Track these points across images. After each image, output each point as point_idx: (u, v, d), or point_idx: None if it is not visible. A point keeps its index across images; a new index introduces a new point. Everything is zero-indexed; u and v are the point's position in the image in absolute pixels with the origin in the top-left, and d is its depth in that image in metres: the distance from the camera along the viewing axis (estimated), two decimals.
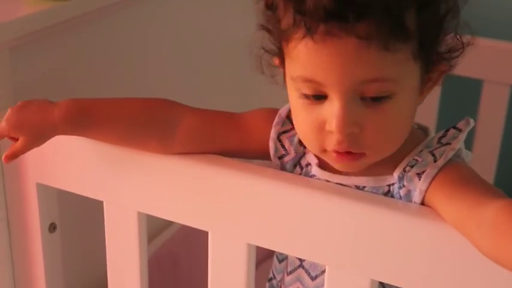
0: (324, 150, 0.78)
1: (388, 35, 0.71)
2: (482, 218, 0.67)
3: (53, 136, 0.88)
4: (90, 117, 0.87)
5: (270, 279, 0.96)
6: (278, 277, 0.94)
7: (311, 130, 0.77)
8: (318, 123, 0.76)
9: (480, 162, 1.61)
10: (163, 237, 1.39)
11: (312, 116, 0.77)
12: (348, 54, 0.71)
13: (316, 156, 0.85)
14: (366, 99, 0.74)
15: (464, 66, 1.53)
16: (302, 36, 0.73)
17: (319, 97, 0.75)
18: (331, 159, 0.79)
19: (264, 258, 0.88)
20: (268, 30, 0.80)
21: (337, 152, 0.77)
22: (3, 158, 0.86)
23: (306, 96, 0.76)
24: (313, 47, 0.72)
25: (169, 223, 1.40)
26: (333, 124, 0.74)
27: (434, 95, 1.63)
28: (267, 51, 0.82)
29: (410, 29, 0.72)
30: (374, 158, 0.78)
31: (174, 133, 0.87)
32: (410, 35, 0.72)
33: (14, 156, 0.87)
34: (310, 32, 0.72)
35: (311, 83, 0.75)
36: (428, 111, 1.65)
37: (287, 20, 0.75)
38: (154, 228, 1.37)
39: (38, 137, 0.87)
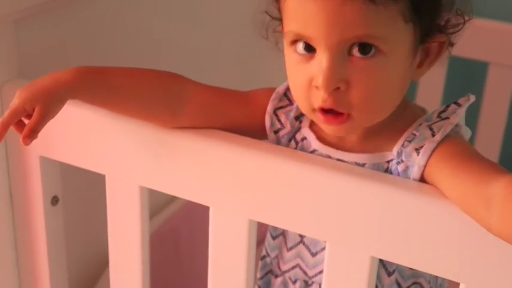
0: (313, 110, 0.79)
1: None
2: (489, 195, 0.67)
3: (68, 98, 0.83)
4: (104, 79, 0.85)
5: (263, 257, 0.96)
6: (272, 254, 0.94)
7: (301, 88, 0.78)
8: (306, 80, 0.77)
9: (484, 144, 1.61)
10: (166, 214, 1.39)
11: (302, 73, 0.77)
12: (334, 5, 0.72)
13: (312, 130, 0.86)
14: (354, 54, 0.75)
15: (470, 49, 1.55)
16: None
17: (309, 51, 0.76)
18: (319, 121, 0.79)
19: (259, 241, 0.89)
20: None
21: (323, 112, 0.77)
22: (22, 141, 0.79)
23: (297, 52, 0.78)
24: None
25: (171, 200, 1.41)
26: (319, 79, 0.75)
27: (439, 78, 1.63)
28: (271, 16, 0.84)
29: None
30: (360, 121, 0.78)
31: (183, 105, 0.87)
32: None
33: (32, 132, 0.79)
34: None
35: (300, 37, 0.76)
36: (433, 94, 1.64)
37: None
38: (157, 205, 1.38)
39: (53, 101, 0.81)
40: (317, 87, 0.76)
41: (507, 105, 1.60)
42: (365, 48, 0.75)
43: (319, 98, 0.76)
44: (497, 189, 0.66)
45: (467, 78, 1.74)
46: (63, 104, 0.83)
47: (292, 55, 0.79)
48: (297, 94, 0.81)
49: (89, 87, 0.84)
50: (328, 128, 0.80)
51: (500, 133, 1.62)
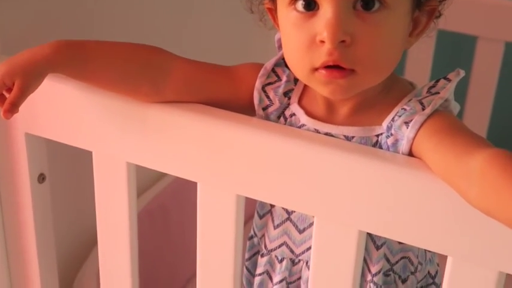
0: (313, 70, 0.77)
1: None
2: (470, 168, 0.67)
3: (48, 73, 0.83)
4: (83, 52, 0.84)
5: (251, 237, 0.95)
6: (259, 234, 0.94)
7: (301, 46, 0.77)
8: (309, 37, 0.76)
9: (473, 118, 1.61)
10: (155, 191, 1.39)
11: (303, 31, 0.77)
12: None
13: (300, 106, 0.85)
14: (358, 9, 0.75)
15: (458, 23, 1.54)
16: None
17: (312, 6, 0.76)
18: (319, 81, 0.78)
19: (246, 219, 0.89)
20: None
21: (327, 69, 0.76)
22: (2, 115, 0.79)
23: (297, 10, 0.77)
24: None
25: (160, 176, 1.40)
26: (324, 33, 0.74)
27: (428, 52, 1.63)
28: None
29: None
30: (363, 78, 0.77)
31: (167, 78, 0.85)
32: None
33: (12, 106, 0.79)
34: None
35: None
36: (422, 68, 1.64)
37: None
38: (146, 182, 1.37)
39: (32, 75, 0.81)
40: (322, 42, 0.75)
41: (495, 78, 1.60)
42: (369, 3, 0.75)
43: (324, 53, 0.75)
44: (477, 162, 0.66)
45: (456, 52, 1.74)
46: (43, 78, 0.82)
47: (291, 14, 0.78)
48: (295, 55, 0.79)
49: (68, 61, 0.83)
50: (328, 87, 0.78)
51: (488, 107, 1.62)
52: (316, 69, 0.77)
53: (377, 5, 0.75)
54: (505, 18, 1.55)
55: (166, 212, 1.38)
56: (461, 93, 1.48)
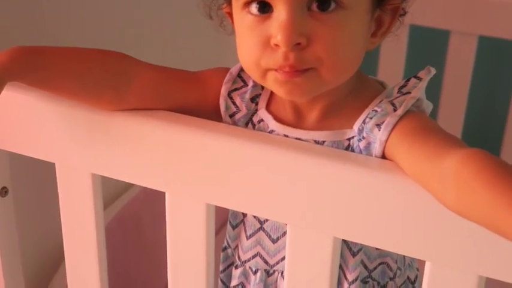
0: (267, 72, 0.75)
1: None
2: (444, 170, 0.64)
3: (5, 81, 0.78)
4: (42, 58, 0.81)
5: (225, 248, 0.93)
6: (233, 245, 0.91)
7: (255, 49, 0.74)
8: (263, 40, 0.74)
9: (447, 112, 1.60)
10: (126, 198, 1.36)
11: (258, 34, 0.74)
12: None
13: (268, 111, 0.83)
14: (313, 10, 0.72)
15: (431, 17, 1.53)
16: None
17: (265, 9, 0.73)
18: (275, 80, 0.75)
19: (218, 228, 0.86)
20: None
21: (283, 71, 0.74)
22: None
23: (251, 13, 0.74)
24: None
25: (131, 184, 1.37)
26: (278, 36, 0.71)
27: (401, 47, 1.61)
28: None
29: None
30: (322, 77, 0.74)
31: (130, 84, 0.82)
32: None
33: None
34: None
35: None
36: (395, 63, 1.63)
37: None
38: (116, 189, 1.34)
39: None
40: (276, 45, 0.72)
41: (470, 72, 1.59)
42: (324, 3, 0.72)
43: (279, 57, 0.73)
44: (451, 163, 0.64)
45: (430, 47, 1.73)
46: (1, 88, 0.78)
47: (246, 18, 0.75)
48: (250, 58, 0.76)
49: (26, 68, 0.79)
50: (285, 87, 0.75)
51: (463, 100, 1.61)
52: (270, 70, 0.75)
53: (333, 5, 0.72)
54: (477, 11, 1.54)
55: (138, 220, 1.35)
56: (435, 87, 1.47)
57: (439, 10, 1.55)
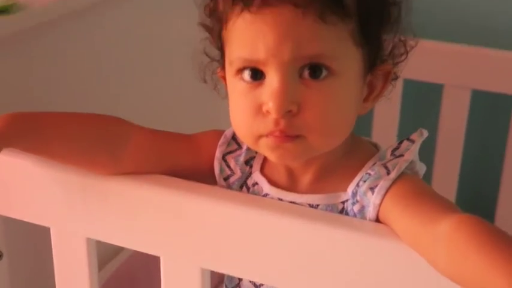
0: (259, 138, 0.75)
1: (324, 5, 0.71)
2: (437, 235, 0.65)
3: (2, 147, 0.78)
4: (37, 124, 0.81)
5: None
6: None
7: (247, 115, 0.75)
8: (255, 107, 0.74)
9: (442, 165, 1.60)
10: (122, 257, 1.35)
11: (249, 101, 0.75)
12: (284, 22, 0.71)
13: (263, 174, 0.83)
14: (305, 78, 0.73)
15: (424, 71, 1.53)
16: (240, 11, 0.74)
17: (258, 76, 0.74)
18: (267, 146, 0.76)
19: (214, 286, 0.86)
20: (208, 29, 0.80)
21: (274, 136, 0.74)
22: None
23: (244, 80, 0.75)
24: (250, 18, 0.73)
25: None
26: (269, 103, 0.72)
27: (395, 102, 1.62)
28: (209, 57, 0.83)
29: (348, 5, 0.73)
30: (312, 143, 0.75)
31: (125, 148, 0.83)
32: (347, 11, 0.73)
33: None
34: (247, 5, 0.72)
35: (248, 63, 0.74)
36: (389, 118, 1.63)
37: (224, 1, 0.76)
38: (113, 248, 1.33)
39: None
40: (268, 112, 0.73)
41: (464, 125, 1.59)
42: (316, 71, 0.73)
43: (270, 123, 0.73)
44: (444, 228, 0.64)
45: (424, 101, 1.73)
46: None
47: (238, 84, 0.76)
48: (242, 123, 0.77)
49: (22, 135, 0.80)
50: (276, 152, 0.75)
51: (458, 154, 1.60)
52: (262, 136, 0.75)
53: (324, 72, 0.73)
54: (470, 65, 1.55)
55: (134, 279, 1.34)
56: (429, 142, 1.47)
57: (432, 64, 1.56)
